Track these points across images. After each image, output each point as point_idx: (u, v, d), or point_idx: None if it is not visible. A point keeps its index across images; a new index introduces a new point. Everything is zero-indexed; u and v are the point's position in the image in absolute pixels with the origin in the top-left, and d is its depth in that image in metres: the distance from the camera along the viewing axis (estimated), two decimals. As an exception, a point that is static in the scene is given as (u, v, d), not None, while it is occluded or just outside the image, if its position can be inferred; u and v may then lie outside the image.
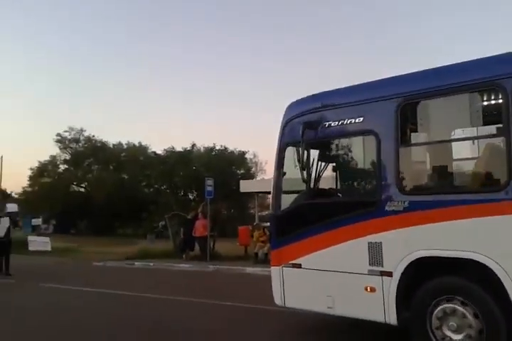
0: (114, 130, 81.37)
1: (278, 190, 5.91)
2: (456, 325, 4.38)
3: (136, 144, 43.87)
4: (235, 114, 77.46)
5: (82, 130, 43.19)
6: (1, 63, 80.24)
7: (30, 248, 18.13)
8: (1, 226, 12.52)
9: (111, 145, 44.21)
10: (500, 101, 4.18)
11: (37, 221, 20.67)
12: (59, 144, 42.72)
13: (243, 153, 39.12)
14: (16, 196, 44.82)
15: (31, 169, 42.69)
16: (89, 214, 40.18)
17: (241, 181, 25.40)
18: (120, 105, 76.59)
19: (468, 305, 4.33)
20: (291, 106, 5.93)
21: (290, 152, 5.78)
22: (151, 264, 15.29)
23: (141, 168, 39.67)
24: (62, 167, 43.71)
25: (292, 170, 5.75)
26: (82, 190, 43.33)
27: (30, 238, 18.78)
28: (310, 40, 79.04)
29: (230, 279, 11.80)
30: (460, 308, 4.36)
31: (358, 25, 76.77)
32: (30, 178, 42.70)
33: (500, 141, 4.29)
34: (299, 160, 5.48)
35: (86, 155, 43.14)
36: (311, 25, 78.17)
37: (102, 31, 77.69)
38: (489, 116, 4.37)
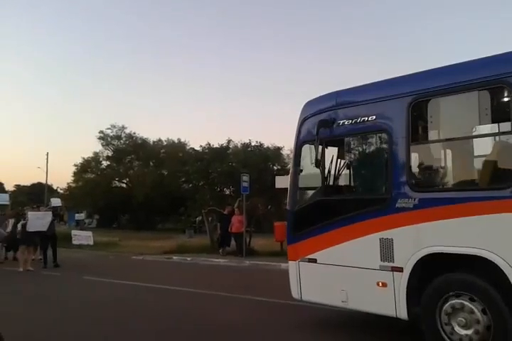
0: (154, 127, 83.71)
1: (295, 186, 6.11)
2: (464, 321, 4.45)
3: (176, 141, 44.87)
4: (270, 110, 77.79)
5: (123, 127, 44.65)
6: (50, 61, 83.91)
7: (74, 242, 18.82)
8: (44, 221, 12.99)
9: (151, 142, 45.44)
10: (508, 99, 4.19)
11: (80, 216, 21.52)
12: (101, 141, 44.32)
13: (279, 149, 39.21)
14: (61, 191, 47.07)
15: (75, 165, 44.60)
16: (131, 209, 41.52)
17: (276, 177, 25.51)
18: (160, 103, 78.78)
19: (477, 301, 4.40)
20: (308, 105, 6.09)
21: (306, 150, 5.96)
22: (189, 259, 15.53)
23: (180, 164, 40.55)
24: (104, 163, 45.35)
25: (309, 168, 5.94)
26: (124, 185, 44.76)
27: (74, 232, 19.55)
28: (349, 38, 77.91)
29: (266, 275, 11.91)
30: (468, 304, 4.44)
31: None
32: (75, 174, 44.57)
33: (509, 139, 4.32)
34: (314, 158, 5.65)
35: (127, 151, 44.53)
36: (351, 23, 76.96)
37: (148, 27, 79.68)
38: (498, 113, 4.38)
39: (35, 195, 49.04)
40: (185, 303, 7.87)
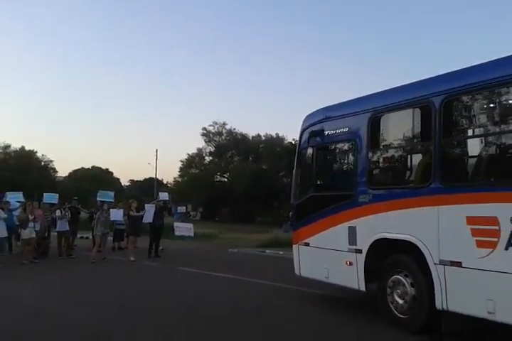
0: (253, 122, 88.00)
1: (296, 184, 7.85)
2: (400, 292, 5.89)
3: (274, 135, 47.46)
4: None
5: (224, 124, 48.51)
6: (158, 63, 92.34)
7: (176, 233, 19.95)
8: (150, 213, 14.21)
9: (250, 138, 48.65)
10: (432, 115, 5.48)
11: (181, 208, 24.06)
12: (204, 137, 48.62)
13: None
14: (169, 185, 52.49)
15: (181, 161, 49.48)
16: (231, 203, 45.04)
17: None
18: (259, 98, 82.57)
19: (409, 277, 5.81)
20: (306, 118, 7.76)
21: (303, 155, 7.67)
22: (281, 253, 15.46)
23: (278, 158, 42.97)
24: (207, 158, 49.67)
25: (306, 169, 7.66)
26: (225, 179, 48.57)
27: (176, 224, 20.50)
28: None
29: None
30: (402, 279, 5.87)
31: None
32: (181, 169, 49.52)
33: (428, 148, 5.66)
34: (308, 161, 7.34)
35: (228, 147, 48.28)
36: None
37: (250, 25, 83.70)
38: (424, 126, 5.71)
39: (147, 188, 55.15)
40: (271, 298, 8.11)
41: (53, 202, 14.89)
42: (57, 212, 14.43)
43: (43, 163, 58.93)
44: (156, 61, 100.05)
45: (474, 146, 5.26)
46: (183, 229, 17.63)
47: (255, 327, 6.25)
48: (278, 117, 75.82)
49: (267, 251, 16.78)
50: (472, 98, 5.26)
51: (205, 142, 48.96)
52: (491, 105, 5.12)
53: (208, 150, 49.41)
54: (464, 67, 5.41)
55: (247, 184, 42.36)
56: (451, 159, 5.54)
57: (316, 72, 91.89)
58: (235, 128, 48.91)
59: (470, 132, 5.46)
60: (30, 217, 12.83)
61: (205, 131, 48.61)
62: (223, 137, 49.10)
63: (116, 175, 72.39)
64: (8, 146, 56.40)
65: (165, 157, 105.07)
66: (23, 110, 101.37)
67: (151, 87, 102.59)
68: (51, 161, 59.53)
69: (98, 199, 15.62)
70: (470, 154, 5.38)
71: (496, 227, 4.68)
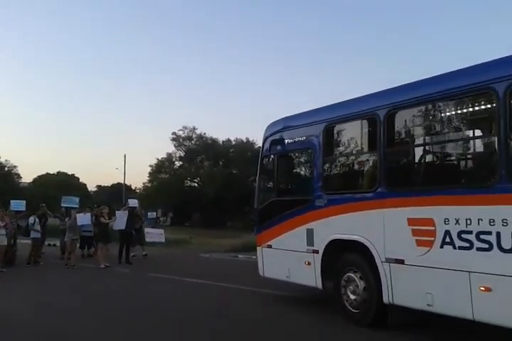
0: (223, 127, 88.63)
1: (259, 190, 8.38)
2: (352, 289, 6.47)
3: (244, 140, 48.10)
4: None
5: (194, 128, 48.90)
6: (127, 61, 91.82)
7: (147, 239, 19.82)
8: (121, 220, 14.37)
9: (220, 142, 49.19)
10: (378, 126, 6.09)
11: (152, 214, 24.08)
12: (174, 142, 48.84)
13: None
14: (138, 191, 52.43)
15: (151, 166, 49.58)
16: (202, 208, 45.39)
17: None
18: (227, 103, 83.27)
19: (359, 274, 6.38)
20: (268, 127, 8.31)
21: (265, 162, 8.21)
22: (254, 257, 14.64)
23: (249, 162, 43.57)
24: (177, 163, 49.94)
25: (268, 175, 8.21)
26: (196, 184, 48.89)
27: (146, 230, 20.32)
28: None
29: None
30: (353, 275, 6.45)
31: None
32: (150, 174, 49.67)
33: (374, 156, 6.29)
34: (269, 168, 7.89)
35: (198, 152, 48.64)
36: None
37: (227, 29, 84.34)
38: (371, 137, 6.34)
39: (115, 194, 54.84)
40: (242, 302, 8.30)
41: (21, 209, 14.92)
42: (31, 219, 14.24)
43: (6, 169, 57.87)
44: (123, 63, 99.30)
45: (413, 155, 5.90)
46: (154, 234, 17.80)
47: (214, 329, 6.43)
48: (248, 122, 76.93)
49: (240, 255, 16.83)
50: (412, 111, 5.89)
51: (175, 147, 49.40)
52: (428, 118, 5.77)
53: (177, 155, 49.89)
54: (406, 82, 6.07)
55: (217, 189, 42.82)
56: (393, 166, 6.16)
57: (289, 77, 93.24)
58: (205, 133, 49.50)
59: (410, 142, 6.10)
60: (1, 224, 12.66)
61: (174, 136, 49.03)
62: (193, 142, 49.54)
63: (82, 180, 71.72)
64: (-32, 152, 55.28)
65: (133, 162, 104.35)
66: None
67: (119, 90, 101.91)
68: (15, 167, 58.59)
69: (62, 205, 15.67)
70: (410, 162, 6.04)
71: (433, 228, 5.29)
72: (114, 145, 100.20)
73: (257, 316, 7.20)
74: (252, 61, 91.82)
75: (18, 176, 59.92)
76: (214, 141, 49.15)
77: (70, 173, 69.38)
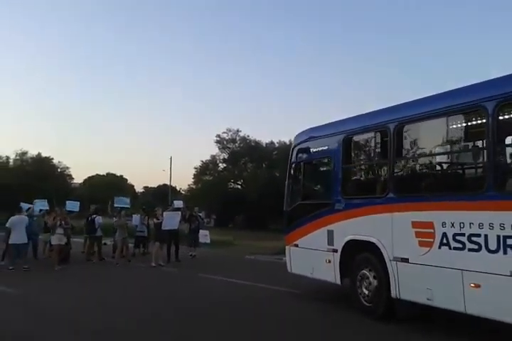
0: (267, 129, 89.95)
1: (288, 194, 9.33)
2: (366, 284, 7.29)
3: (287, 142, 48.83)
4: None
5: (238, 131, 50.10)
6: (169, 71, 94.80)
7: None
8: (175, 221, 14.95)
9: (264, 145, 50.19)
10: (385, 142, 6.92)
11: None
12: (218, 144, 50.27)
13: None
14: (183, 192, 54.30)
15: (195, 168, 51.22)
16: (245, 210, 46.51)
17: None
18: (273, 105, 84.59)
19: (372, 271, 7.20)
20: (296, 137, 9.27)
21: (293, 168, 9.15)
22: None
23: (292, 165, 44.37)
24: (221, 165, 51.31)
25: (295, 181, 9.16)
26: (239, 186, 50.12)
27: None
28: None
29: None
30: (367, 273, 7.27)
31: None
32: (194, 176, 51.27)
33: (385, 165, 7.10)
34: (296, 174, 8.83)
35: (242, 154, 49.82)
36: None
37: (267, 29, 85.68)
38: (381, 148, 7.15)
39: (161, 195, 57.08)
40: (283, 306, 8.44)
41: (75, 209, 16.34)
42: (99, 219, 15.27)
43: (59, 170, 61.38)
44: (169, 68, 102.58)
45: (417, 164, 6.70)
46: (200, 235, 18.09)
47: (260, 329, 6.87)
48: (292, 124, 77.90)
49: (284, 258, 16.77)
50: (416, 125, 6.69)
51: (219, 149, 50.63)
52: (430, 132, 6.54)
53: (221, 157, 51.07)
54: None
55: (260, 191, 43.77)
56: (400, 174, 6.97)
57: (331, 80, 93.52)
58: (248, 135, 50.53)
59: (414, 153, 6.90)
60: (63, 224, 13.58)
61: (219, 138, 50.28)
62: (237, 144, 50.68)
63: (130, 181, 74.82)
64: (24, 153, 58.95)
65: (179, 164, 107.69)
66: (40, 117, 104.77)
67: (166, 95, 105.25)
68: (67, 168, 62.01)
69: (115, 205, 16.91)
70: (414, 170, 6.84)
71: (432, 230, 6.07)
72: (162, 147, 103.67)
73: (301, 316, 7.63)
74: (296, 66, 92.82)
75: (70, 177, 63.39)
76: (257, 144, 50.14)
77: (118, 175, 72.58)
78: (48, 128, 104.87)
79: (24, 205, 15.29)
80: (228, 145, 50.81)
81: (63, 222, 13.66)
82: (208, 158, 51.09)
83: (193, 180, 52.21)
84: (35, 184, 47.37)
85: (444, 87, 7.05)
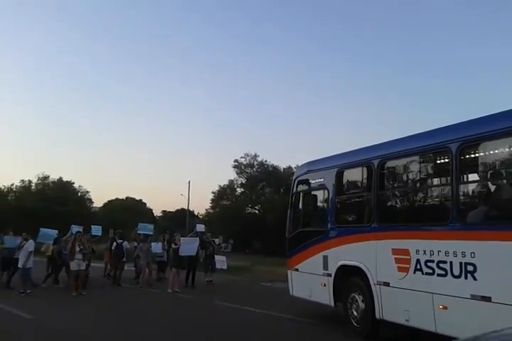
0: (284, 155, 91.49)
1: (289, 222, 10.27)
2: (355, 306, 8.12)
3: (305, 167, 49.89)
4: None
5: (256, 155, 51.45)
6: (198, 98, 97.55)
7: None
8: (193, 246, 15.17)
9: (281, 170, 51.28)
10: (370, 176, 7.87)
11: (216, 241, 25.12)
12: (236, 169, 51.61)
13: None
14: (201, 217, 55.41)
15: (213, 193, 52.48)
16: (262, 235, 47.21)
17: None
18: (291, 131, 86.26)
19: (360, 294, 8.04)
20: (297, 169, 10.31)
21: (294, 198, 10.13)
22: None
23: (309, 190, 45.19)
24: (239, 190, 52.50)
25: (296, 210, 10.12)
26: (256, 211, 51.05)
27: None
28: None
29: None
30: (356, 296, 8.11)
31: None
32: (212, 201, 52.48)
33: (370, 197, 8.02)
34: (297, 203, 9.80)
35: (259, 179, 50.98)
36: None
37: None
38: (367, 182, 8.10)
39: (179, 219, 58.24)
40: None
41: (98, 234, 17.15)
42: (127, 244, 16.16)
43: (79, 194, 63.29)
44: (188, 93, 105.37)
45: (397, 197, 7.62)
46: (217, 261, 18.06)
47: None
48: (309, 150, 79.35)
49: None
50: (396, 162, 7.64)
51: (237, 174, 52.01)
52: (405, 168, 7.47)
53: (239, 182, 52.39)
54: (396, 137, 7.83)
55: (278, 216, 44.50)
56: (383, 205, 7.86)
57: (349, 109, 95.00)
58: (266, 160, 51.84)
59: (394, 187, 7.83)
60: (77, 249, 13.61)
61: (236, 163, 51.73)
62: (254, 169, 51.93)
63: (149, 205, 76.23)
64: (46, 177, 61.18)
65: (197, 188, 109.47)
66: (61, 142, 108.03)
67: (184, 120, 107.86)
68: (87, 192, 63.88)
69: (139, 232, 17.22)
70: (394, 202, 7.75)
71: (408, 257, 6.92)
72: (180, 172, 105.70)
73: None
74: (313, 91, 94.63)
75: (90, 201, 65.22)
76: (275, 168, 51.41)
77: (137, 198, 74.14)
78: (67, 154, 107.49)
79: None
80: (246, 170, 52.12)
81: (82, 247, 13.80)
82: (226, 182, 52.41)
83: (210, 205, 53.44)
84: (56, 208, 49.14)
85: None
